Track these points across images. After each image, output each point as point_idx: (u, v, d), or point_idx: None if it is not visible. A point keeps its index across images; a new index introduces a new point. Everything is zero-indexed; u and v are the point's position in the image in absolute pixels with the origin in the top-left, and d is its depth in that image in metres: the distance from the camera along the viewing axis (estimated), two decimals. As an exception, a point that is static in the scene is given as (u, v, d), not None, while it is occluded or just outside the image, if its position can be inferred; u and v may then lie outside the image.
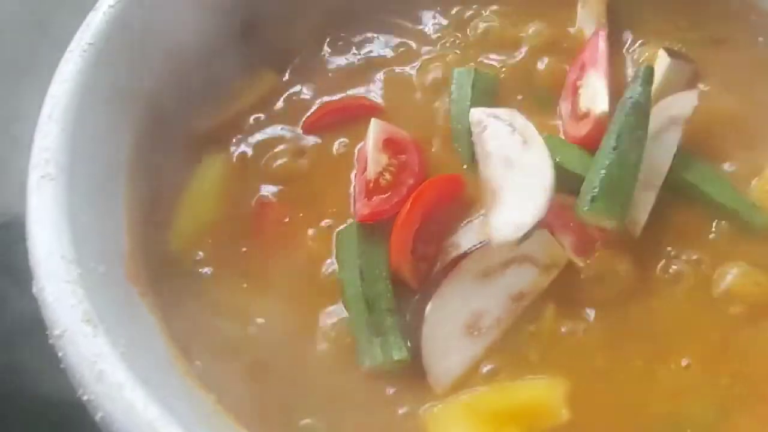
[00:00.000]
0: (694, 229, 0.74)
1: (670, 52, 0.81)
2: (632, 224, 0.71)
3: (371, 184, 0.73)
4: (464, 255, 0.70)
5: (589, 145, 0.75)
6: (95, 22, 0.74)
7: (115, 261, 0.67)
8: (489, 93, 0.82)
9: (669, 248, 0.72)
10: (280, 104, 0.84)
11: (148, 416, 0.54)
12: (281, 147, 0.80)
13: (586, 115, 0.77)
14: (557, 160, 0.72)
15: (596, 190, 0.69)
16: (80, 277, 0.60)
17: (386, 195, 0.72)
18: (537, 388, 0.66)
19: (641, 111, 0.74)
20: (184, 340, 0.66)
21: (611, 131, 0.73)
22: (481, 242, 0.70)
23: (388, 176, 0.73)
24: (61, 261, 0.61)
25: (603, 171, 0.70)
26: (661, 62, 0.81)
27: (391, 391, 0.66)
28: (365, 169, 0.74)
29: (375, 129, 0.76)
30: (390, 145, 0.75)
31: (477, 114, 0.77)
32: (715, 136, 0.78)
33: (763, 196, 0.75)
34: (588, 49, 0.82)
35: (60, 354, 0.57)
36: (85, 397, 0.55)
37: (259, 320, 0.70)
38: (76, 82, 0.71)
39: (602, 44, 0.81)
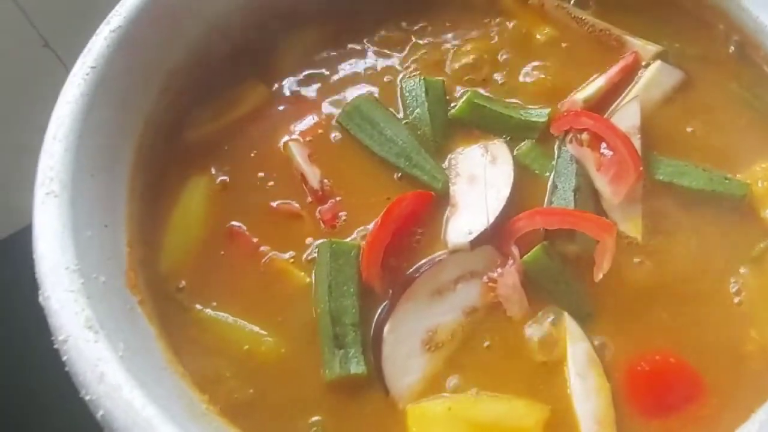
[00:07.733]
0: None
1: (662, 56, 0.86)
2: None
3: (320, 192, 0.80)
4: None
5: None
6: (97, 46, 0.78)
7: (116, 272, 0.71)
8: (441, 98, 0.85)
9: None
10: (268, 116, 0.87)
11: (145, 414, 0.59)
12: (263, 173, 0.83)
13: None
14: (536, 172, 0.79)
15: None
16: (83, 286, 0.65)
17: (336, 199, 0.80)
18: (516, 409, 0.68)
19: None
20: (178, 346, 0.70)
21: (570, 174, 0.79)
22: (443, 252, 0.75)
23: (327, 182, 0.81)
24: (65, 272, 0.65)
25: None
26: (651, 63, 0.86)
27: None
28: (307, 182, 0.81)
29: (296, 150, 0.83)
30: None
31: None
32: (691, 149, 0.82)
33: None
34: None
35: (64, 357, 0.62)
36: (87, 397, 0.60)
37: (246, 347, 0.72)
38: (79, 104, 0.74)
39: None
